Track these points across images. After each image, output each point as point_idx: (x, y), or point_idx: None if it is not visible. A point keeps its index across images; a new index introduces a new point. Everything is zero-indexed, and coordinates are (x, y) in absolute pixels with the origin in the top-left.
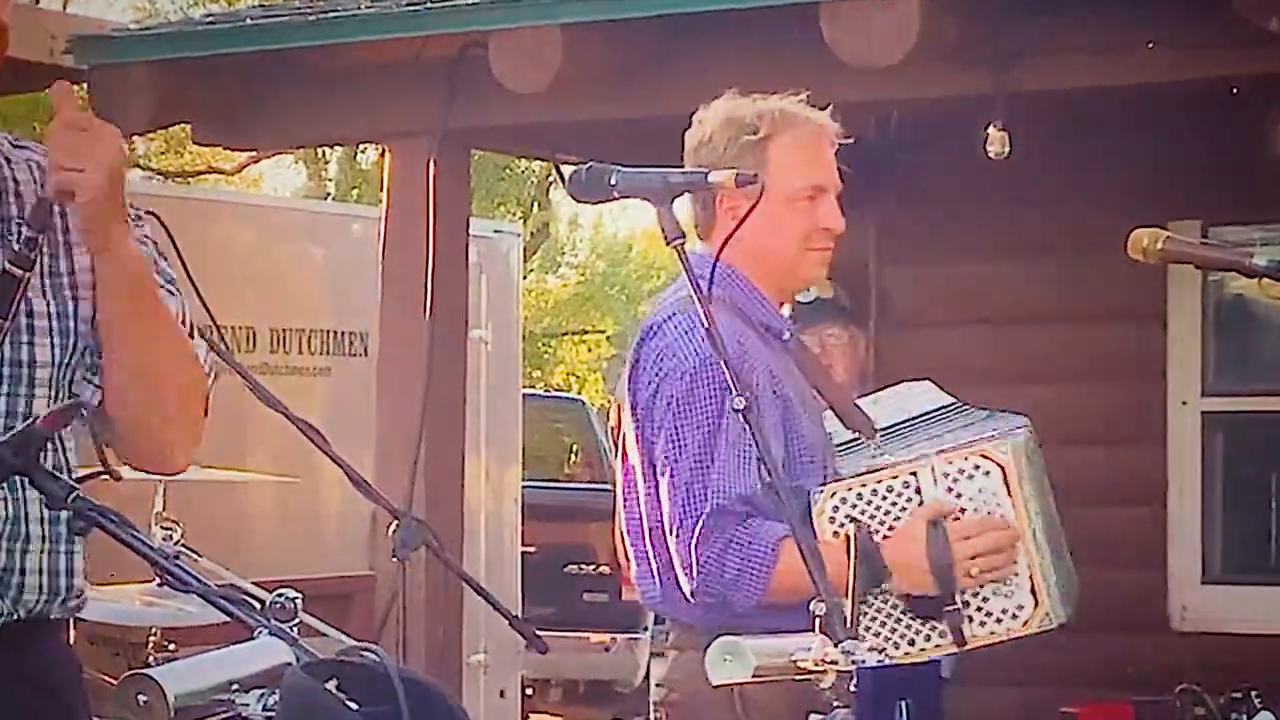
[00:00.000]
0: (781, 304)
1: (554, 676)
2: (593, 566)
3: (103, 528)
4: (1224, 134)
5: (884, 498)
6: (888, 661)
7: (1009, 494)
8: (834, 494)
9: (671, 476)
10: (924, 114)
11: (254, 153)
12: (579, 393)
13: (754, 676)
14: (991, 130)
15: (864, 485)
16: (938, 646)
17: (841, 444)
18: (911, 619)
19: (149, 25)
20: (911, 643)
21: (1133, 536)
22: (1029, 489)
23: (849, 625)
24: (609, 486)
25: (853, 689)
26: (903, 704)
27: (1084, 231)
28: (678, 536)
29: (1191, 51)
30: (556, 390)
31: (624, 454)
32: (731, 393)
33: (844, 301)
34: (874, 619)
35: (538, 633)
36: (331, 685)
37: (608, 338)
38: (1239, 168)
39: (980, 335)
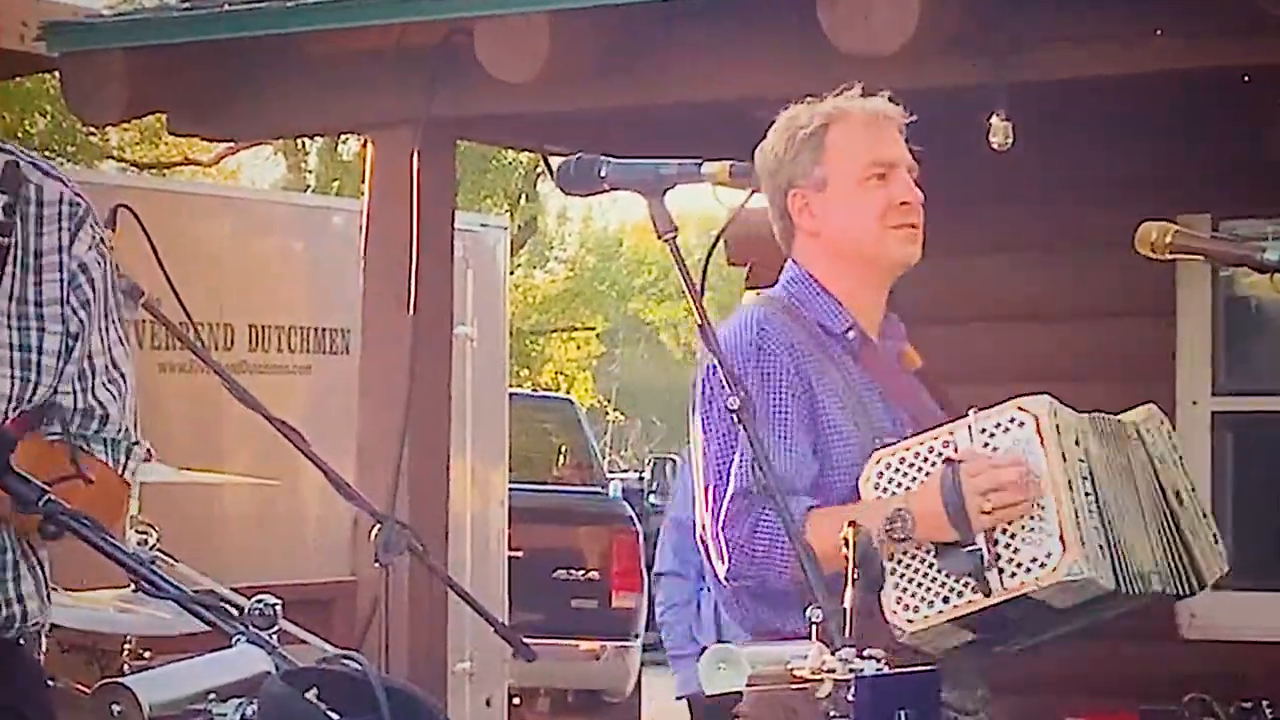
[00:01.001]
0: (879, 297)
1: (542, 685)
2: (582, 572)
3: (76, 532)
4: (1235, 124)
5: (925, 459)
6: (923, 624)
7: (1041, 443)
8: (879, 460)
9: (704, 467)
10: (924, 105)
11: (231, 143)
12: (567, 392)
13: (749, 685)
14: (994, 121)
15: (907, 449)
16: (969, 601)
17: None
18: (943, 575)
19: (123, 11)
20: (945, 600)
21: None
22: (1069, 443)
23: (847, 631)
24: (598, 488)
25: (850, 698)
26: (902, 714)
27: (1090, 226)
28: (707, 524)
29: (1201, 39)
30: (544, 389)
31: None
32: (726, 392)
33: None
34: (907, 578)
35: (525, 640)
36: (312, 695)
37: (597, 335)
38: (1250, 159)
39: (982, 333)
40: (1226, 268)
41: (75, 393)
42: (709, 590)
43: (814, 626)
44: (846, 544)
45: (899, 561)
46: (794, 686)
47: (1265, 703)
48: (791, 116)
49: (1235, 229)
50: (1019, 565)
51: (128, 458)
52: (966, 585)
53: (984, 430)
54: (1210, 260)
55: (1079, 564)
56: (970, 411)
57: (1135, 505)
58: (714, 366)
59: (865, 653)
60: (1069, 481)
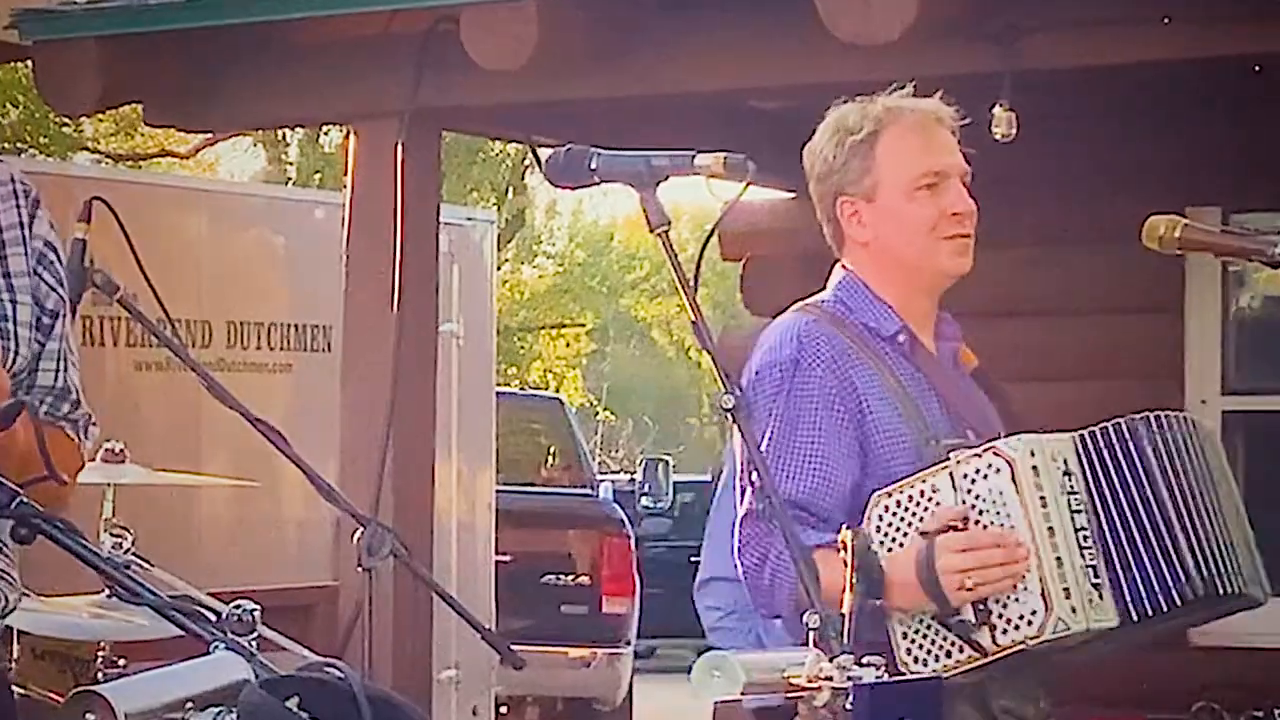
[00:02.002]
0: (931, 303)
1: (530, 694)
2: (571, 577)
3: (48, 535)
4: (1245, 115)
5: (908, 509)
6: (934, 672)
7: (1016, 492)
8: (879, 501)
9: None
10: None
11: (210, 134)
12: (556, 391)
13: (743, 693)
14: (997, 110)
15: (901, 491)
16: (970, 657)
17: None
18: (943, 630)
19: None
20: (948, 654)
21: None
22: (1051, 482)
23: (845, 638)
24: (588, 490)
25: (849, 707)
26: None
27: (1096, 219)
28: (735, 532)
29: (1210, 26)
30: (533, 388)
31: None
32: (721, 390)
33: None
34: (913, 629)
35: (512, 647)
36: (292, 703)
37: (587, 332)
38: (1261, 150)
39: (983, 330)
40: (1237, 263)
41: (56, 372)
42: None
43: (810, 632)
44: (844, 548)
45: (904, 610)
46: (790, 694)
47: (1277, 711)
48: (841, 118)
49: (1246, 222)
50: (1009, 622)
51: (86, 435)
52: (962, 645)
53: (965, 476)
54: (1220, 255)
55: (1064, 620)
56: (951, 456)
57: (1213, 506)
58: (758, 371)
59: (864, 659)
60: (1049, 529)
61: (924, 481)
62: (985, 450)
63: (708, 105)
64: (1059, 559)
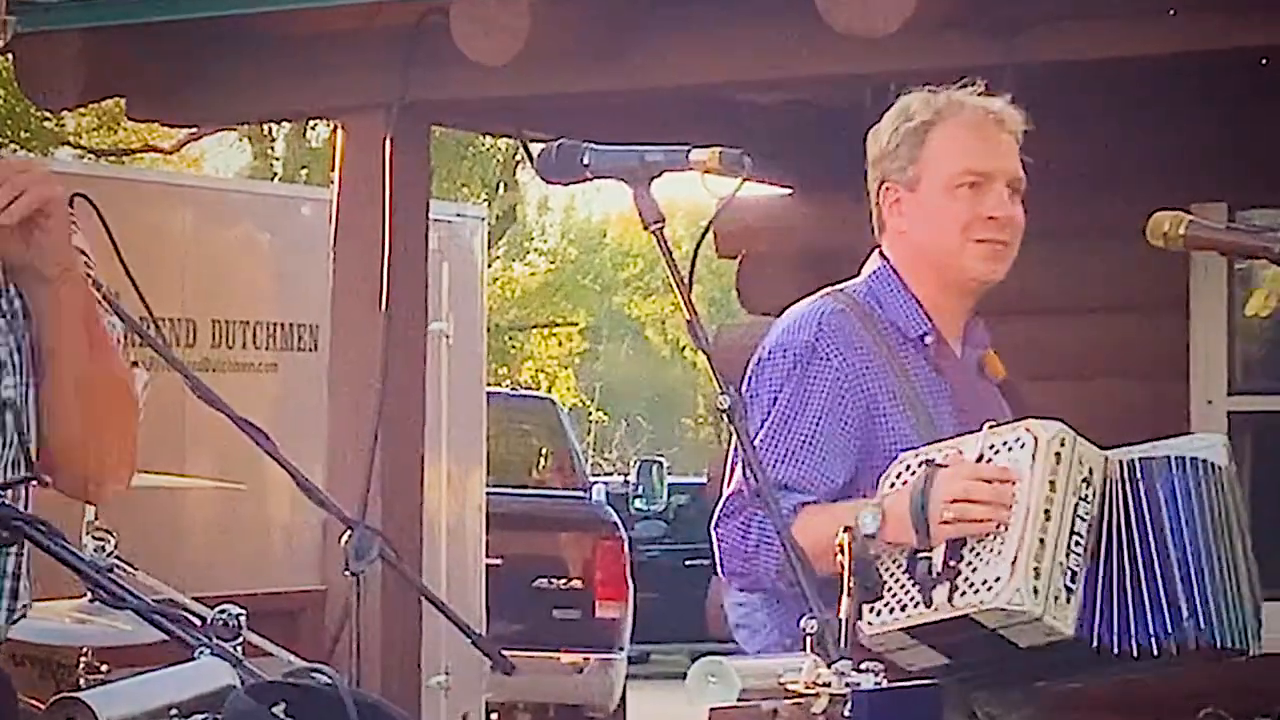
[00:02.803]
0: (962, 304)
1: (521, 700)
2: (564, 580)
3: (30, 538)
4: (1252, 109)
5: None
6: (880, 630)
7: (1031, 466)
8: (904, 460)
9: (725, 468)
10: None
11: (194, 129)
12: (549, 391)
13: (740, 699)
14: None
15: (928, 453)
16: (921, 613)
17: None
18: (908, 583)
19: None
20: (903, 608)
21: None
22: (1069, 476)
23: (844, 643)
24: (580, 492)
25: (847, 714)
26: None
27: (1099, 216)
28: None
29: (1216, 19)
30: (524, 388)
31: None
32: (717, 390)
33: None
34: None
35: (503, 652)
36: (279, 710)
37: (580, 331)
38: (1268, 145)
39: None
40: (1243, 260)
41: None
42: None
43: (808, 638)
44: (842, 551)
45: (880, 563)
46: (787, 701)
47: None
48: (905, 104)
49: (1252, 219)
50: (970, 585)
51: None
52: (919, 596)
53: (991, 446)
54: (1226, 252)
55: (1020, 595)
56: (985, 426)
57: (1224, 556)
58: (759, 362)
59: (863, 665)
60: (1047, 511)
61: (952, 447)
62: (1019, 424)
63: (703, 99)
64: (1042, 540)
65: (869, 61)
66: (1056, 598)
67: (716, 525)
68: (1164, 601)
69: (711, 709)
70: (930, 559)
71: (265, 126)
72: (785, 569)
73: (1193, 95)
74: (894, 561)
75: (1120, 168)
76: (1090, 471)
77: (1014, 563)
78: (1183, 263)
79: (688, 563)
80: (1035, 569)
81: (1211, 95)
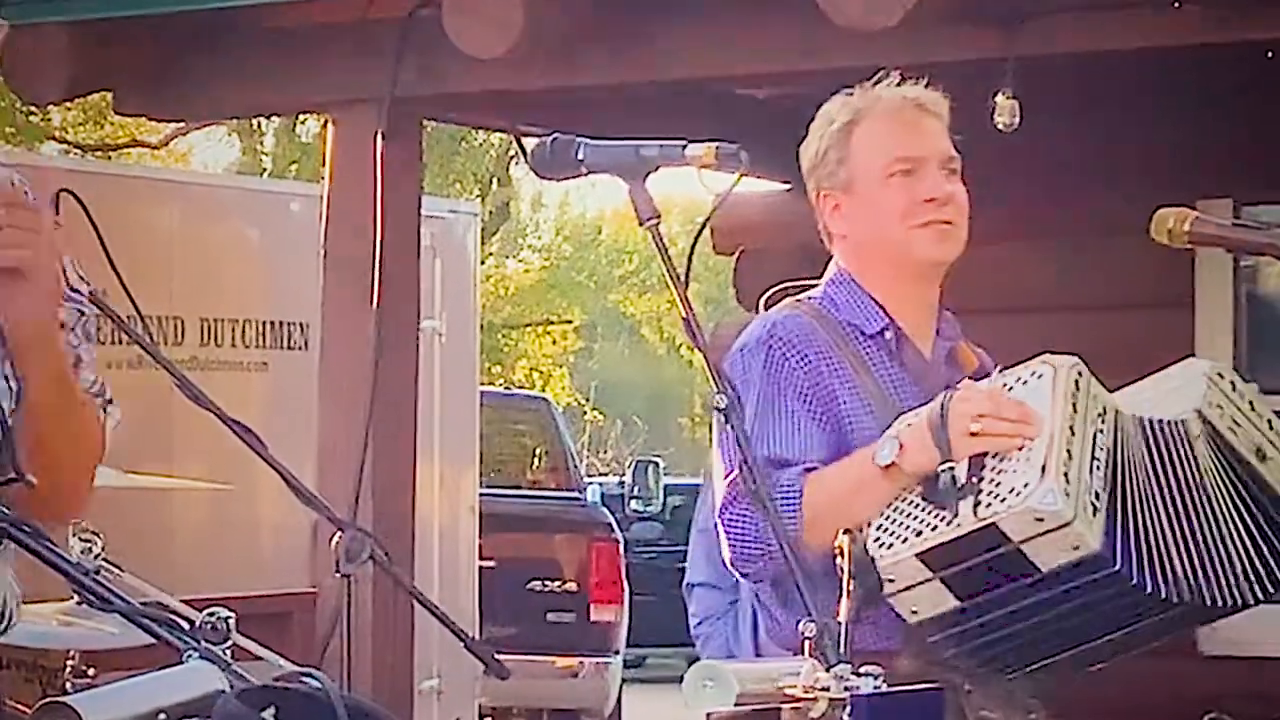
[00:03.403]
0: (923, 294)
1: (515, 704)
2: (558, 583)
3: (15, 540)
4: (1258, 103)
5: None
6: (892, 559)
7: (1051, 390)
8: (902, 419)
9: (719, 464)
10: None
11: (182, 124)
12: (543, 390)
13: (737, 704)
14: (1000, 99)
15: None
16: (938, 532)
17: None
18: (921, 510)
19: None
20: (918, 534)
21: None
22: (1088, 403)
23: (843, 647)
24: (575, 493)
25: (846, 718)
26: None
27: (1102, 211)
28: (716, 517)
29: (1223, 11)
30: (518, 387)
31: None
32: (713, 390)
33: None
34: (889, 514)
35: (497, 656)
36: (269, 714)
37: (574, 329)
38: (1275, 140)
39: (986, 325)
40: (1248, 257)
41: (95, 379)
42: (744, 602)
43: (806, 641)
44: (841, 553)
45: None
46: (785, 705)
47: None
48: (825, 111)
49: (1258, 215)
50: (996, 496)
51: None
52: (940, 518)
53: (1004, 385)
54: (1231, 249)
55: (1053, 494)
56: (996, 369)
57: (1209, 513)
58: (729, 360)
59: (862, 669)
60: (1071, 428)
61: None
62: (1034, 360)
63: (700, 93)
64: (1069, 453)
65: (869, 55)
66: (1083, 507)
67: (723, 512)
68: (1163, 551)
69: (708, 713)
70: (953, 471)
71: (254, 121)
72: (806, 533)
73: (1197, 89)
74: (908, 497)
75: (1123, 163)
76: (1104, 409)
77: (1043, 469)
78: (1187, 260)
79: (683, 565)
80: (1065, 475)
81: (1217, 89)
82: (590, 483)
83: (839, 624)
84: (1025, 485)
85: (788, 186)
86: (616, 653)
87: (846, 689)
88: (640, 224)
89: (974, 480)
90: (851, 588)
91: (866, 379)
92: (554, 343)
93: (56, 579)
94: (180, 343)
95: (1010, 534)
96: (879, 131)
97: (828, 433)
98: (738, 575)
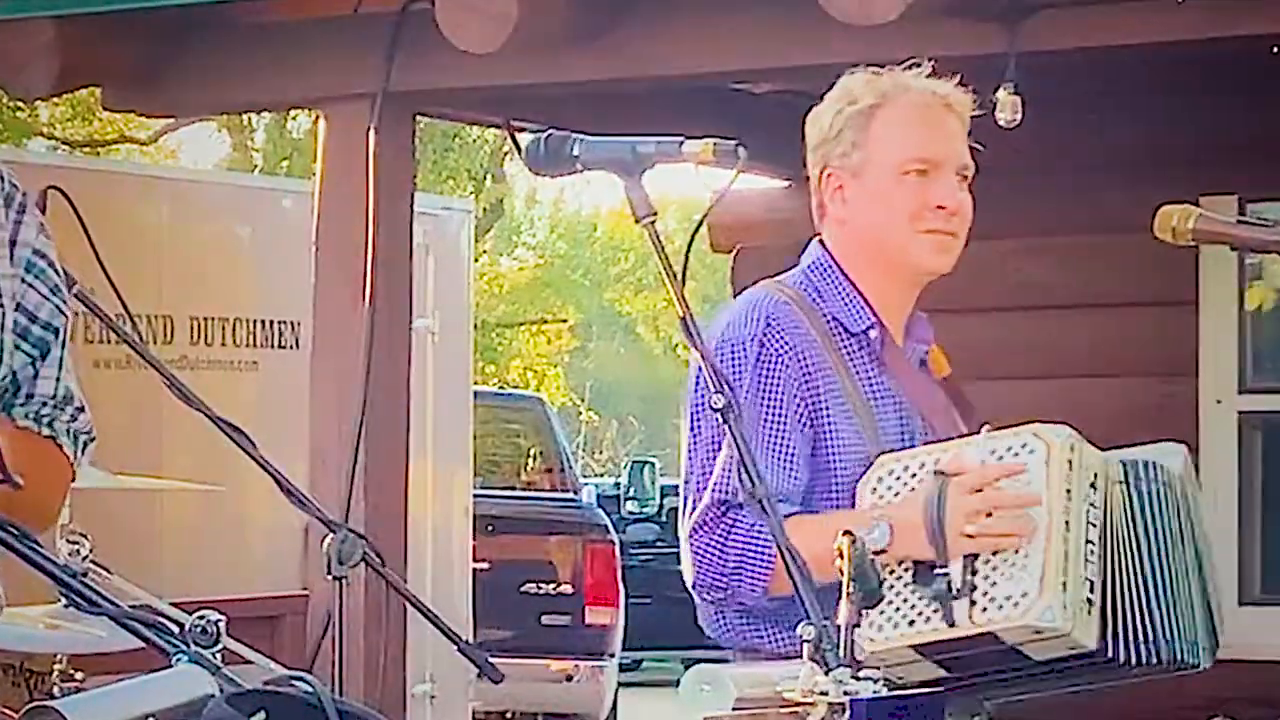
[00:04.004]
0: (906, 297)
1: (510, 709)
2: (553, 585)
3: (0, 541)
4: (1263, 98)
5: (923, 466)
6: (884, 646)
7: (1046, 475)
8: (884, 464)
9: (687, 470)
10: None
11: (171, 119)
12: (537, 390)
13: (735, 708)
14: (1001, 94)
15: (913, 458)
16: (934, 629)
17: None
18: (915, 596)
19: None
20: (911, 623)
21: None
22: (1081, 483)
23: (842, 651)
24: (570, 495)
25: None
26: None
27: (1104, 209)
28: (682, 531)
29: (1226, 5)
30: (512, 387)
31: None
32: (711, 390)
33: None
34: (887, 589)
35: (491, 659)
36: (259, 719)
37: (569, 328)
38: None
39: (986, 324)
40: (1253, 254)
41: (55, 380)
42: None
43: (805, 644)
44: (841, 555)
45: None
46: (783, 710)
47: None
48: (847, 86)
49: (1263, 212)
50: (991, 600)
51: (82, 453)
52: (936, 613)
53: (993, 451)
54: (1236, 246)
55: (1052, 611)
56: (984, 429)
57: (1181, 570)
58: (721, 351)
59: (862, 673)
60: (1067, 523)
61: (945, 451)
62: (1023, 429)
63: (696, 89)
64: (1066, 553)
65: (868, 50)
66: (1079, 611)
67: (692, 535)
68: (1142, 613)
69: (705, 718)
70: (948, 574)
71: (245, 117)
72: (769, 582)
73: (1202, 84)
74: (894, 574)
75: (1126, 159)
76: (1094, 476)
77: (1042, 578)
78: (1191, 258)
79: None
80: (1063, 584)
81: (1221, 84)
82: (585, 484)
83: (838, 627)
84: (1024, 595)
85: (786, 183)
86: (612, 656)
87: (845, 693)
88: (636, 221)
89: (968, 579)
90: (850, 590)
91: (848, 383)
92: (549, 342)
93: (43, 581)
94: (170, 342)
95: (1007, 640)
96: (903, 123)
97: (809, 444)
98: (698, 598)
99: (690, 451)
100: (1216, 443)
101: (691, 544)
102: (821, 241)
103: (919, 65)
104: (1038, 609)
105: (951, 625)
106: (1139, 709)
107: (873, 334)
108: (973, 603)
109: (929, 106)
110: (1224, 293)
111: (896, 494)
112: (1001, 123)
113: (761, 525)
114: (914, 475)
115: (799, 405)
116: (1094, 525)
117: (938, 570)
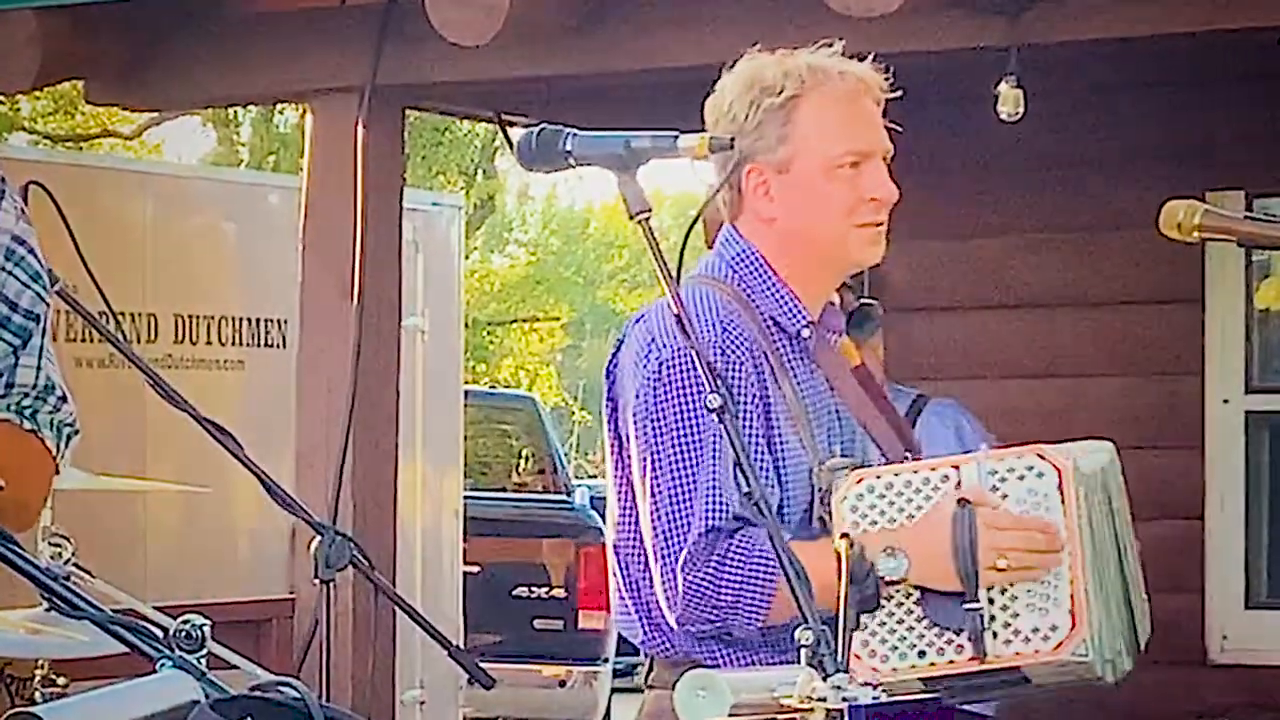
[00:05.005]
0: (830, 290)
1: (501, 715)
2: (545, 589)
3: None
4: (1270, 92)
5: (918, 490)
6: (890, 677)
7: (1062, 500)
8: (861, 480)
9: (653, 490)
10: (927, 70)
11: (156, 113)
12: (529, 389)
13: (731, 714)
14: (1004, 87)
15: (896, 475)
16: (951, 661)
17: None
18: (924, 625)
19: None
20: (921, 654)
21: (1165, 555)
22: (1088, 507)
23: (840, 655)
24: (563, 496)
25: None
26: None
27: (1109, 204)
28: (661, 560)
29: None
30: (504, 387)
31: (613, 465)
32: (706, 389)
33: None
34: (881, 624)
35: (482, 665)
36: None
37: (562, 326)
38: None
39: (989, 322)
40: (1261, 251)
41: (36, 369)
42: None
43: (802, 649)
44: (839, 558)
45: (876, 605)
46: (781, 716)
47: None
48: (756, 72)
49: (1271, 207)
50: (1016, 632)
51: (66, 445)
52: (950, 643)
53: (994, 473)
54: (1243, 242)
55: (1086, 645)
56: (983, 445)
57: (1119, 575)
58: (675, 355)
59: (861, 679)
60: (1084, 550)
61: (935, 470)
62: (1026, 452)
63: (692, 82)
64: (1087, 584)
65: (867, 43)
66: (1100, 641)
67: (685, 568)
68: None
69: None
70: (979, 607)
71: (231, 111)
72: (766, 613)
73: (1208, 77)
74: (893, 601)
75: (1131, 154)
76: (1100, 491)
77: (1072, 611)
78: (1197, 254)
79: None
80: (1089, 613)
81: (1228, 77)
82: (578, 485)
83: (836, 632)
84: (1053, 629)
85: None
86: (606, 661)
87: (844, 699)
88: (630, 218)
89: (992, 612)
90: (848, 594)
91: (788, 387)
92: (541, 340)
93: (25, 585)
94: (154, 340)
95: (1031, 676)
96: (830, 118)
97: (770, 459)
98: (682, 630)
99: (657, 464)
100: (1223, 443)
101: (684, 579)
102: (740, 236)
103: (830, 44)
104: (1072, 643)
105: (982, 659)
106: (1144, 711)
107: (806, 333)
108: (994, 634)
109: (855, 96)
110: (1231, 290)
111: (882, 513)
112: (1004, 117)
113: (757, 553)
114: (902, 496)
115: (759, 414)
116: (1101, 543)
117: (968, 605)
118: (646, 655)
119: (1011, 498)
